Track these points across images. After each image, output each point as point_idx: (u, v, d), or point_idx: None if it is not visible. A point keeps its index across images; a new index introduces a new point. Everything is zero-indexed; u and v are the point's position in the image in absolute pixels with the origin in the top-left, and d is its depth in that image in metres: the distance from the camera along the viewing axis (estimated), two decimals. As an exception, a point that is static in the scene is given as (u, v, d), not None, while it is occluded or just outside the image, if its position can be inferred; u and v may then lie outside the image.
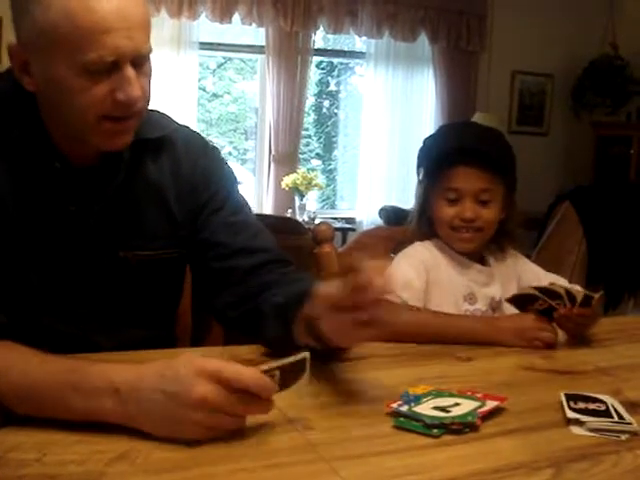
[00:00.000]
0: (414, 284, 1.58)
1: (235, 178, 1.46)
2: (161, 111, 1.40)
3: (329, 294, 1.06)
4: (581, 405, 1.07)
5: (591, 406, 1.07)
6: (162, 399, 0.90)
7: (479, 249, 1.71)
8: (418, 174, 1.78)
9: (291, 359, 0.96)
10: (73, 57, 1.10)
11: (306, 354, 0.97)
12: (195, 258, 1.41)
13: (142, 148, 1.31)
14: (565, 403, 1.08)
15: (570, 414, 1.04)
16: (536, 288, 1.50)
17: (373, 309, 1.01)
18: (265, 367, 0.93)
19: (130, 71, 1.14)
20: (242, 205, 1.44)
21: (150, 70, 1.21)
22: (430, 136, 1.82)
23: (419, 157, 1.77)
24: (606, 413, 1.05)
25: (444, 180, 1.66)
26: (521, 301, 1.52)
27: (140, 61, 1.16)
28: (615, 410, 1.06)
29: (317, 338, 1.11)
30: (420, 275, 1.61)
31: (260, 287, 1.32)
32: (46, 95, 1.19)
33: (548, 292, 1.48)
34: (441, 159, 1.66)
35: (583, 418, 1.03)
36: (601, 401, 1.09)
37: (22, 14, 1.13)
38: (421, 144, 1.79)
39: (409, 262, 1.64)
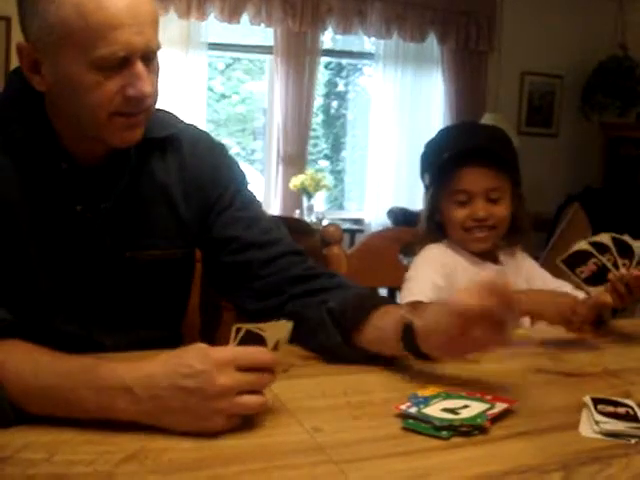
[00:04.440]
0: (440, 285, 1.57)
1: (243, 174, 1.46)
2: (167, 110, 1.40)
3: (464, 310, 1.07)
4: (610, 409, 1.07)
5: (620, 410, 1.07)
6: (182, 395, 0.91)
7: (493, 247, 1.71)
8: (423, 180, 1.77)
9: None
10: (85, 53, 1.11)
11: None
12: (209, 257, 1.41)
13: (149, 147, 1.31)
14: (592, 407, 1.07)
15: (598, 417, 1.04)
16: (590, 243, 1.45)
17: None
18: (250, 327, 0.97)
19: (140, 67, 1.15)
20: (252, 200, 1.44)
21: (158, 67, 1.22)
22: (431, 141, 1.80)
23: (423, 163, 1.76)
24: (635, 418, 1.04)
25: (452, 183, 1.66)
26: (574, 260, 1.46)
27: (149, 57, 1.18)
28: None
29: (415, 351, 1.16)
30: (442, 276, 1.61)
31: (283, 280, 1.33)
32: (57, 93, 1.19)
33: (600, 247, 1.44)
34: (447, 163, 1.65)
35: (612, 422, 1.02)
36: (628, 405, 1.08)
37: (32, 13, 1.14)
38: (423, 150, 1.78)
39: (430, 265, 1.63)
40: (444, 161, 1.66)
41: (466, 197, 1.65)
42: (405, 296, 1.53)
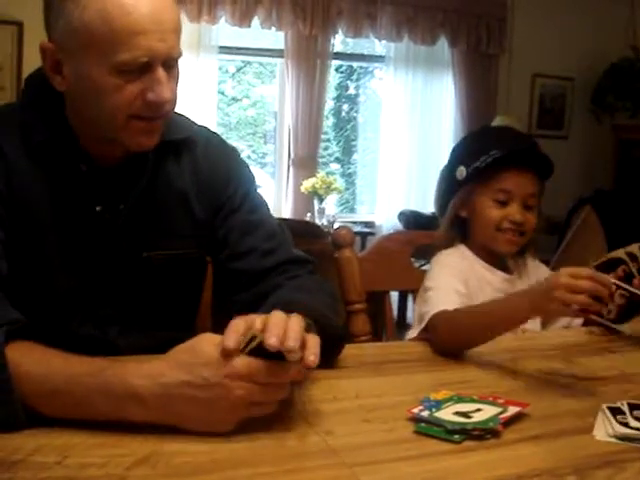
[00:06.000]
0: (462, 292, 1.56)
1: (253, 178, 1.47)
2: (180, 112, 1.41)
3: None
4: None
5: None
6: (193, 405, 0.92)
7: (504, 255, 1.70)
8: (453, 172, 1.72)
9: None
10: (107, 57, 1.13)
11: None
12: (213, 257, 1.42)
13: (165, 150, 1.33)
14: (612, 417, 1.06)
15: (613, 421, 1.03)
16: (626, 252, 1.49)
17: None
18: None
19: (161, 73, 1.17)
20: (259, 205, 1.44)
21: (178, 74, 1.24)
22: (473, 136, 1.79)
23: (460, 155, 1.73)
24: None
25: (495, 181, 1.63)
26: (604, 268, 1.49)
27: (170, 64, 1.20)
28: None
29: None
30: (462, 283, 1.59)
31: (266, 292, 1.31)
32: (77, 94, 1.21)
33: (632, 256, 1.47)
34: (496, 161, 1.63)
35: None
36: None
37: (57, 14, 1.15)
38: (462, 142, 1.77)
39: (449, 272, 1.61)
40: (492, 159, 1.63)
41: (505, 197, 1.63)
42: (430, 308, 1.49)
